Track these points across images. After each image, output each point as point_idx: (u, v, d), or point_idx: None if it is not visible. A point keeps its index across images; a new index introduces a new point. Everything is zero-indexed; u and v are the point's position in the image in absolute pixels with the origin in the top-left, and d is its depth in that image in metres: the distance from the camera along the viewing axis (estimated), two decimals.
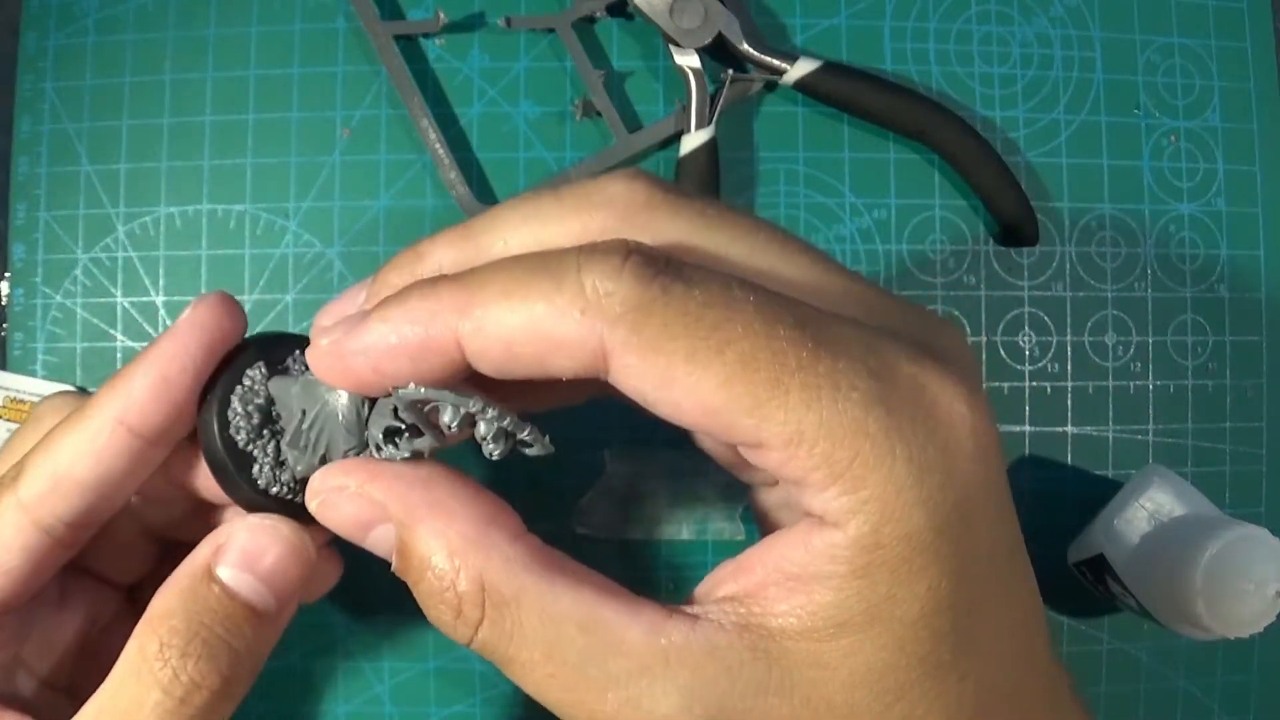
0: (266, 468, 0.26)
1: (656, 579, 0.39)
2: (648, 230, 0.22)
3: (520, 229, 0.22)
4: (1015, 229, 0.39)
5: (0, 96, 0.40)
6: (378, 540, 0.23)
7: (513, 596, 0.21)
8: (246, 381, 0.26)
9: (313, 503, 0.24)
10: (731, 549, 0.39)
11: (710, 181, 0.38)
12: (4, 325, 0.39)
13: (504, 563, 0.22)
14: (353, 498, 0.23)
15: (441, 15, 0.39)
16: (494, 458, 0.23)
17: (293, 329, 0.39)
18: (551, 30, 0.39)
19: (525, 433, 0.23)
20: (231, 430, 0.26)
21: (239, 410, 0.26)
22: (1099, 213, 0.41)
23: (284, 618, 0.27)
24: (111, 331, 0.39)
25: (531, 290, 0.20)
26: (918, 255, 0.40)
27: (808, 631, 0.20)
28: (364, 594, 0.38)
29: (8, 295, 0.39)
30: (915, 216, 0.40)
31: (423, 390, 0.23)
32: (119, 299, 0.39)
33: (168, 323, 0.39)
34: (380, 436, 0.24)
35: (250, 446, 0.26)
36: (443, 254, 0.23)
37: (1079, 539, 0.38)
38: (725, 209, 0.22)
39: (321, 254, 0.39)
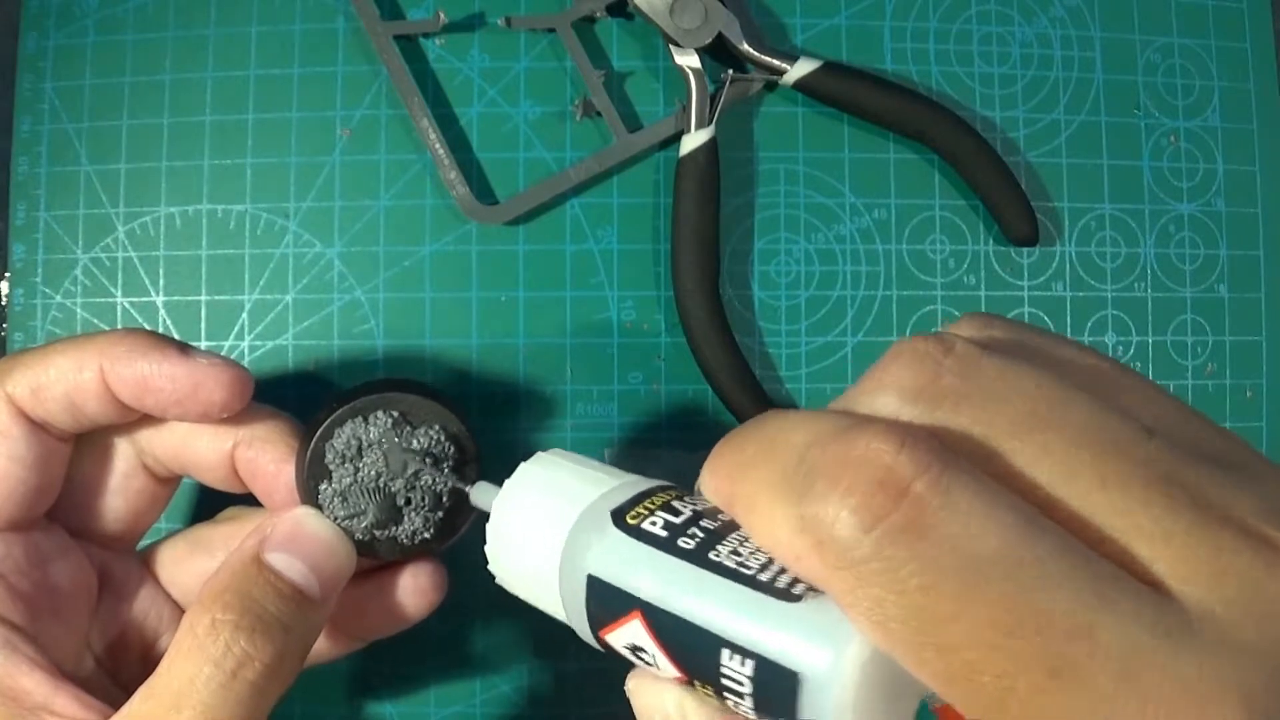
0: (329, 492, 0.29)
1: None
2: (926, 420, 0.18)
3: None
4: (1015, 229, 0.39)
5: (0, 97, 0.40)
6: None
7: None
8: (371, 419, 0.29)
9: None
10: None
11: (710, 182, 0.38)
12: (4, 325, 0.39)
13: None
14: None
15: (441, 15, 0.39)
16: None
17: (291, 329, 0.39)
18: (551, 30, 0.39)
19: None
20: (327, 445, 0.29)
21: (345, 434, 0.29)
22: (1099, 213, 0.41)
23: (328, 606, 0.28)
24: None
25: (766, 499, 0.18)
26: (918, 255, 0.40)
27: None
28: None
29: (8, 295, 0.39)
30: (915, 216, 0.40)
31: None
32: (119, 299, 0.39)
33: (168, 323, 0.39)
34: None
35: (333, 467, 0.29)
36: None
37: None
38: (1056, 392, 0.17)
39: (321, 254, 0.39)
